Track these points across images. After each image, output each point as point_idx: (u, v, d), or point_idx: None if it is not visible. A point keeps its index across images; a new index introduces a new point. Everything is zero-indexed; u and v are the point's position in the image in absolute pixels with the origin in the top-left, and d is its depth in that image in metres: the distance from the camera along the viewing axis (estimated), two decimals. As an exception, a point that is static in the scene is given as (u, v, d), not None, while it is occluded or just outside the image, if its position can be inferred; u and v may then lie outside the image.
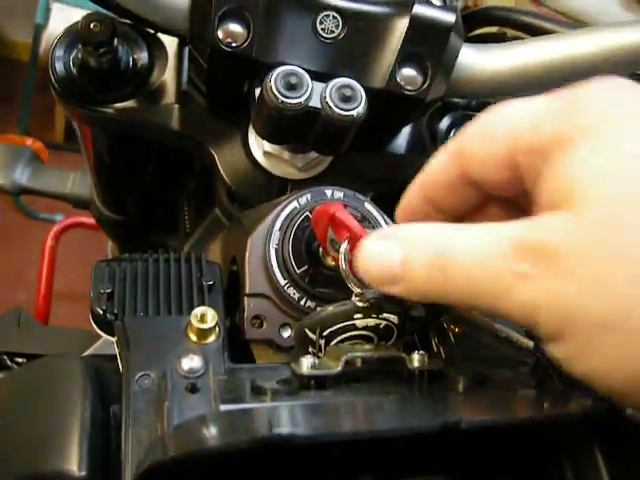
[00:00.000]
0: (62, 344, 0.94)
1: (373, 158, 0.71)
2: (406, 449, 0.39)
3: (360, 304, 0.45)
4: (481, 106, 0.74)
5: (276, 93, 0.55)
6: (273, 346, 0.52)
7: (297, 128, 0.59)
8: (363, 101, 0.56)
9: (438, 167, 0.43)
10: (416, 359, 0.44)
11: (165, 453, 0.33)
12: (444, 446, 0.40)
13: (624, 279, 0.31)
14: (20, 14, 3.13)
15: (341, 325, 0.46)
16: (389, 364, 0.44)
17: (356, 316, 0.45)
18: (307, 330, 0.46)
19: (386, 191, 0.68)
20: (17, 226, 2.59)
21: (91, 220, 1.09)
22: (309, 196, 0.54)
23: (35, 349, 0.81)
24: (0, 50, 3.30)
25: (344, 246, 0.47)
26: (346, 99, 0.56)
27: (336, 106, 0.55)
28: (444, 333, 0.52)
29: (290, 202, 0.54)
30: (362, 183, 0.69)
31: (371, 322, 0.46)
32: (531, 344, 0.46)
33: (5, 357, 0.79)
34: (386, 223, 0.55)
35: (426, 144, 0.74)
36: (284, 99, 0.55)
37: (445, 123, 0.75)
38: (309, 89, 0.56)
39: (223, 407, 0.38)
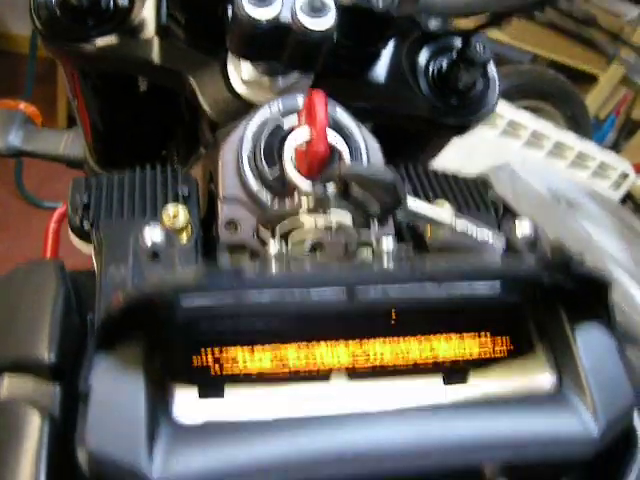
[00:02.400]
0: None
1: (352, 85, 0.71)
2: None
3: (304, 200, 0.46)
4: (461, 37, 0.74)
5: (247, 8, 0.56)
6: (248, 253, 0.53)
7: (270, 44, 0.59)
8: (333, 13, 0.57)
9: None
10: (384, 242, 0.45)
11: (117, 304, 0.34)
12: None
13: None
14: (21, 8, 3.14)
15: (290, 225, 0.46)
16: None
17: (302, 213, 0.46)
18: (261, 227, 0.47)
19: (366, 120, 0.69)
20: (21, 214, 2.60)
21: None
22: (280, 103, 0.55)
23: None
24: (2, 44, 3.31)
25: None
26: (315, 10, 0.56)
27: (306, 17, 0.56)
28: (417, 230, 0.53)
29: (262, 109, 0.55)
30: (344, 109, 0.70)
31: (320, 220, 0.46)
32: (502, 238, 0.47)
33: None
34: (357, 127, 0.56)
35: (405, 74, 0.74)
36: (255, 14, 0.56)
37: (424, 54, 0.75)
38: (279, 3, 0.56)
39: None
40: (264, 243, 0.51)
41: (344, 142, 0.53)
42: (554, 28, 3.20)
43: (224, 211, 0.53)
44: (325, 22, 0.56)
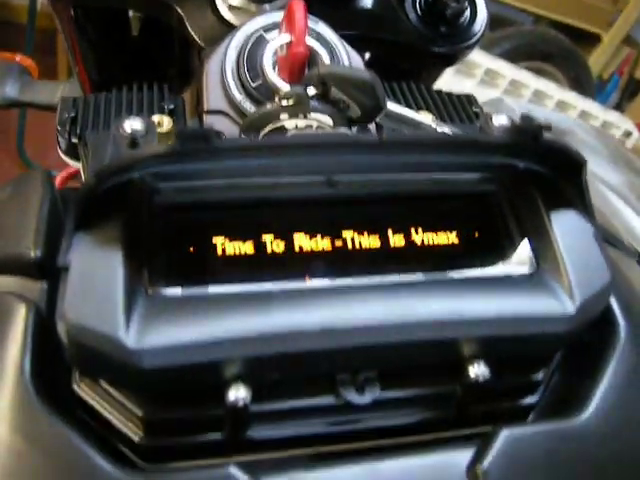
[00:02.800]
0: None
1: (339, 13, 0.71)
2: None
3: (284, 102, 0.46)
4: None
5: None
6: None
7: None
8: None
9: None
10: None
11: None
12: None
13: None
14: (20, -22, 3.12)
15: (271, 127, 0.46)
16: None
17: (282, 116, 0.46)
18: (243, 134, 0.47)
19: (353, 46, 0.69)
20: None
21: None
22: (264, 17, 0.56)
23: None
24: (1, 14, 3.30)
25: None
26: None
27: None
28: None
29: (246, 23, 0.55)
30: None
31: (301, 123, 0.46)
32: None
33: None
34: (340, 41, 0.56)
35: (393, 2, 0.74)
36: None
37: (412, -19, 0.75)
38: None
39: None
40: None
41: (325, 51, 0.53)
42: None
43: (208, 123, 0.53)
44: None
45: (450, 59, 0.76)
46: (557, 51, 3.08)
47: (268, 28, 0.55)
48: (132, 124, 0.41)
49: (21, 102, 1.12)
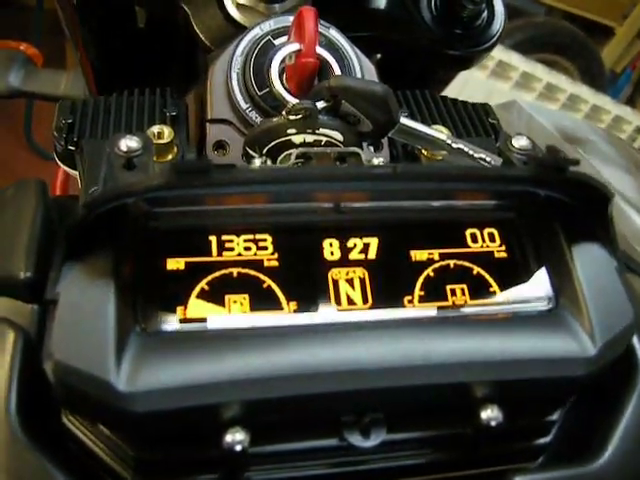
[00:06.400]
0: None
1: (352, 14, 0.69)
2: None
3: (292, 117, 0.44)
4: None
5: None
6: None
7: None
8: None
9: None
10: (376, 159, 0.43)
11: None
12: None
13: None
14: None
15: (277, 142, 0.44)
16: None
17: (290, 131, 0.44)
18: (247, 148, 0.45)
19: (367, 51, 0.66)
20: (30, 167, 2.59)
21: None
22: (272, 22, 0.53)
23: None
24: (10, -5, 3.27)
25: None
26: None
27: None
28: (414, 157, 0.51)
29: (253, 29, 0.53)
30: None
31: (309, 138, 0.44)
32: (499, 159, 0.44)
33: None
34: (352, 48, 0.53)
35: (408, 3, 0.71)
36: None
37: (428, -17, 0.73)
38: None
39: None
40: None
41: (336, 61, 0.50)
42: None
43: (212, 132, 0.51)
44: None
45: (466, 62, 0.74)
46: (570, 43, 3.04)
47: (277, 33, 0.52)
48: (128, 143, 0.39)
49: (24, 92, 1.10)
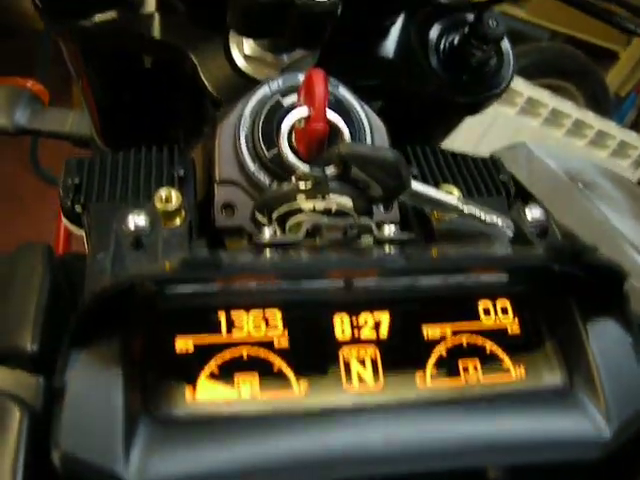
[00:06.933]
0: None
1: (360, 62, 0.69)
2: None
3: (301, 185, 0.43)
4: (473, 11, 0.71)
5: None
6: (245, 236, 0.51)
7: (272, 20, 0.57)
8: None
9: None
10: (387, 229, 0.42)
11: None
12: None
13: None
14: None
15: (287, 208, 0.44)
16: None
17: (300, 197, 0.43)
18: (257, 212, 0.45)
19: (374, 98, 0.66)
20: (36, 191, 2.59)
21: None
22: (280, 81, 0.53)
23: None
24: (18, 21, 3.28)
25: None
26: None
27: None
28: (424, 217, 0.50)
29: (261, 88, 0.53)
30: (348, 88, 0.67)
31: (319, 205, 0.43)
32: (510, 223, 0.44)
33: None
34: (361, 107, 0.53)
35: (415, 50, 0.71)
36: None
37: (435, 30, 0.72)
38: None
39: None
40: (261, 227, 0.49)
41: (346, 123, 0.50)
42: (573, 3, 3.13)
43: (220, 194, 0.50)
44: (329, -6, 0.53)
45: (474, 108, 0.74)
46: (574, 68, 3.04)
47: (285, 92, 0.52)
48: (136, 220, 0.39)
49: (31, 130, 1.10)
